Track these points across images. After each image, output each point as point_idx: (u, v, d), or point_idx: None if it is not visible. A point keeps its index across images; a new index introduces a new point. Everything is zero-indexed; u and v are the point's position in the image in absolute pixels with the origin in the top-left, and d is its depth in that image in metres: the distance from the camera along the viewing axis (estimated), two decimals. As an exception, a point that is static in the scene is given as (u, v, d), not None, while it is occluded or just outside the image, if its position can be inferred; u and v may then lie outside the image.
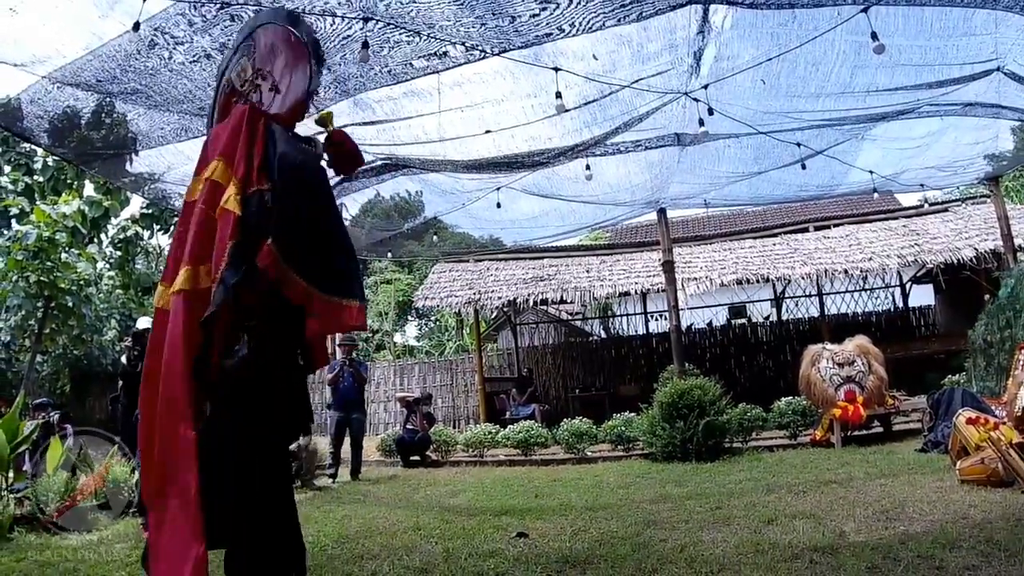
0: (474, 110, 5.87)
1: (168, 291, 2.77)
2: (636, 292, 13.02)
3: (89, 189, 15.51)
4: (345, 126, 6.07)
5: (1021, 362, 7.87)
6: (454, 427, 12.98)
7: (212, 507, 2.52)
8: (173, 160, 6.29)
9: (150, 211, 15.01)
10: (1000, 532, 4.03)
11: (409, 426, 10.84)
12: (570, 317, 18.01)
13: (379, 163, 7.22)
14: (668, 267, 10.15)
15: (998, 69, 6.29)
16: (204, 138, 5.54)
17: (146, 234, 16.11)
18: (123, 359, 9.13)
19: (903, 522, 4.57)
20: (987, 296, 10.53)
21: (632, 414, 9.83)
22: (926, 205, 13.23)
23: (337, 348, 10.75)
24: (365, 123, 5.85)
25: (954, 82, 6.43)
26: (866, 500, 5.25)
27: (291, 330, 2.83)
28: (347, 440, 9.34)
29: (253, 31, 3.30)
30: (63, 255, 12.18)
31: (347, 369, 9.52)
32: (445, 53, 4.87)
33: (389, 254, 12.57)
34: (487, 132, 6.04)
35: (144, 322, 9.34)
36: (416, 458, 10.54)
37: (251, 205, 2.69)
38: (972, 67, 6.22)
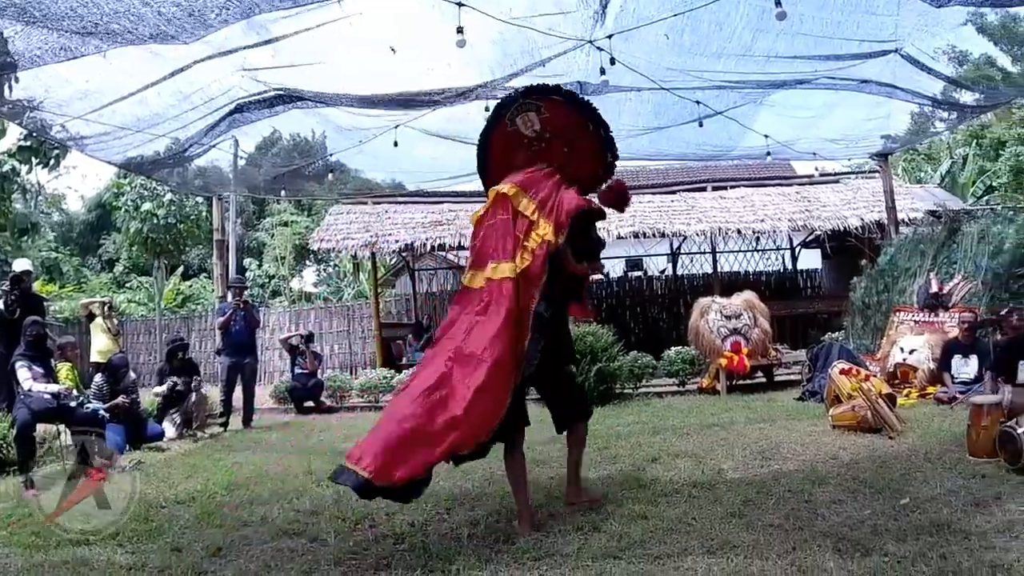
0: (374, 44, 5.63)
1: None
2: (536, 241, 13.01)
3: (-40, 122, 13.89)
4: (236, 49, 5.70)
5: (896, 323, 8.48)
6: (351, 373, 12.72)
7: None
8: (51, 83, 5.66)
9: (28, 144, 13.48)
10: (866, 472, 4.31)
11: (298, 369, 10.57)
12: (469, 264, 17.94)
13: (271, 94, 6.82)
14: (569, 217, 10.16)
15: (896, 51, 6.48)
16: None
17: (23, 169, 14.53)
18: (-1, 304, 8.29)
19: (777, 461, 4.83)
20: (863, 262, 11.21)
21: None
22: (817, 174, 13.87)
23: (227, 291, 10.18)
24: (258, 44, 5.47)
25: (852, 57, 6.59)
26: (745, 442, 5.51)
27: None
28: (238, 387, 8.93)
29: (545, 95, 4.05)
30: (-67, 193, 10.94)
31: (239, 312, 8.98)
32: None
33: (283, 192, 11.99)
34: (392, 49, 5.79)
35: (21, 264, 8.50)
36: (310, 404, 10.30)
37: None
38: (871, 45, 6.37)
